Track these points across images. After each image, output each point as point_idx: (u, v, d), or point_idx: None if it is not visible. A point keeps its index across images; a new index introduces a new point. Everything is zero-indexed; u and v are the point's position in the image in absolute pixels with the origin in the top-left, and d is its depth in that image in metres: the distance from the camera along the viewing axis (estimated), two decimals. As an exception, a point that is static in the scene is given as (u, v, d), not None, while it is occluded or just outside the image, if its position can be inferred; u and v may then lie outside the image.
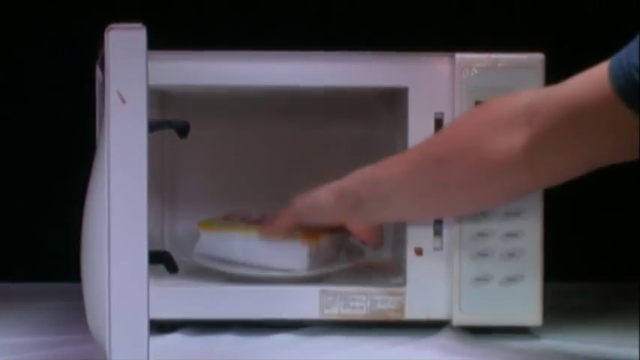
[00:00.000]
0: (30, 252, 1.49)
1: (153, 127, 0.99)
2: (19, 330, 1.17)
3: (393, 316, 1.16)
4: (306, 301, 1.15)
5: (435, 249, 1.16)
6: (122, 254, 0.91)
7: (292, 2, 1.48)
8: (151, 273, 0.92)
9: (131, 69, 0.91)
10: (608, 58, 0.97)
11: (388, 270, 1.25)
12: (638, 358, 1.04)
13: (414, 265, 1.16)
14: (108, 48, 0.91)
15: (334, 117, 1.34)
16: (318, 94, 1.26)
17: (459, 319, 1.15)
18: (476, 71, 1.15)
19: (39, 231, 1.50)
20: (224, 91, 1.25)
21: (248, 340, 1.13)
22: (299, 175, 1.31)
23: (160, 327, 1.13)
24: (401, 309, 1.16)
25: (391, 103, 1.28)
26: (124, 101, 0.91)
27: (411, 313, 1.16)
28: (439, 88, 1.15)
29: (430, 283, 1.16)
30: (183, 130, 1.21)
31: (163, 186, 1.34)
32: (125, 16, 0.92)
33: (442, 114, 1.15)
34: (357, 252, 1.23)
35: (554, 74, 1.15)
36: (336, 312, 1.16)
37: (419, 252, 1.16)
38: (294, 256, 1.17)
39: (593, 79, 0.95)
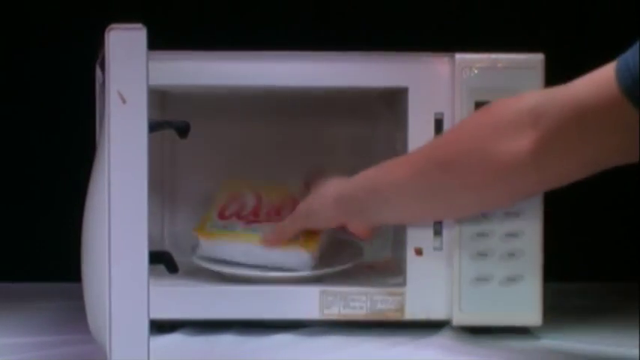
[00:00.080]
0: (30, 252, 1.49)
1: (153, 127, 0.99)
2: (19, 330, 1.17)
3: (392, 316, 1.16)
4: (306, 301, 1.15)
5: (435, 249, 1.16)
6: (122, 254, 0.91)
7: (292, 2, 1.48)
8: (151, 273, 0.92)
9: (131, 69, 0.91)
10: (608, 58, 0.97)
11: (388, 270, 1.25)
12: (638, 358, 1.04)
13: (414, 265, 1.16)
14: (108, 48, 0.91)
15: (334, 117, 1.34)
16: (318, 94, 1.26)
17: (459, 319, 1.15)
18: (476, 71, 1.15)
19: (39, 231, 1.50)
20: (224, 91, 1.25)
21: (248, 340, 1.13)
22: (299, 175, 1.31)
23: (160, 327, 1.13)
24: (401, 309, 1.16)
25: (391, 103, 1.28)
26: (124, 101, 0.91)
27: (411, 313, 1.16)
28: (439, 88, 1.15)
29: (430, 283, 1.16)
30: (183, 130, 1.21)
31: (163, 186, 1.34)
32: (125, 16, 0.92)
33: (442, 114, 1.15)
34: (356, 252, 1.23)
35: (554, 74, 1.15)
36: (336, 312, 1.16)
37: (419, 252, 1.16)
38: (296, 259, 1.17)
39: (599, 80, 0.95)
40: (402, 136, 1.19)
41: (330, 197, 1.14)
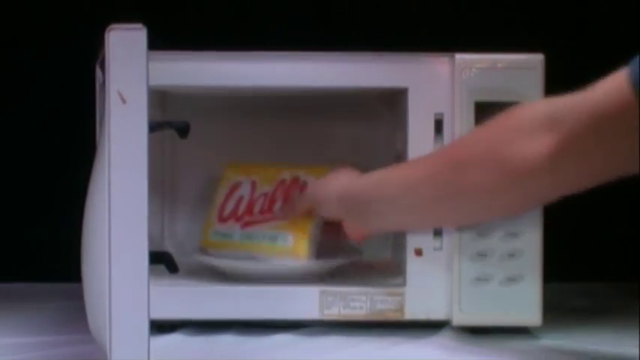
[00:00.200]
0: (30, 252, 1.49)
1: (153, 127, 0.99)
2: (19, 330, 1.17)
3: (392, 316, 1.16)
4: (306, 301, 1.15)
5: (435, 249, 1.16)
6: (122, 254, 0.91)
7: (292, 2, 1.48)
8: (151, 273, 0.92)
9: (131, 69, 0.91)
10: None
11: (388, 270, 1.25)
12: (638, 358, 1.04)
13: (413, 265, 1.16)
14: (108, 48, 0.91)
15: (334, 117, 1.34)
16: (318, 94, 1.26)
17: (458, 319, 1.15)
18: (476, 71, 1.15)
19: (39, 231, 1.50)
20: (224, 91, 1.25)
21: (248, 340, 1.13)
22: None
23: (160, 327, 1.13)
24: (401, 309, 1.16)
25: (391, 103, 1.28)
26: (124, 101, 0.91)
27: (411, 314, 1.16)
28: (439, 88, 1.15)
29: (430, 283, 1.16)
30: (183, 130, 1.21)
31: (163, 186, 1.34)
32: (125, 16, 0.92)
33: (442, 114, 1.15)
34: (354, 249, 1.23)
35: (554, 74, 1.15)
36: (336, 312, 1.16)
37: (419, 252, 1.16)
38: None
39: (614, 84, 0.94)
40: (402, 136, 1.19)
41: (334, 192, 1.14)
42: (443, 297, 1.16)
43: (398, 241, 1.24)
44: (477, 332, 1.15)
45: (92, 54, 1.07)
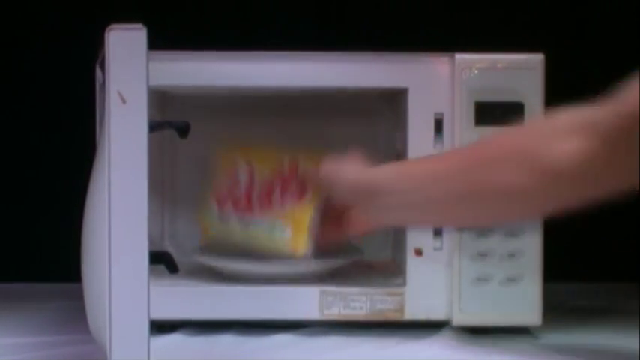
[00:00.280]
0: (30, 252, 1.49)
1: (153, 127, 0.99)
2: (19, 330, 1.17)
3: (392, 316, 1.16)
4: (306, 301, 1.15)
5: (435, 249, 1.16)
6: (122, 254, 0.91)
7: (292, 2, 1.48)
8: (151, 273, 0.92)
9: (131, 69, 0.91)
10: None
11: (388, 270, 1.25)
12: (638, 357, 1.04)
13: (414, 265, 1.16)
14: (108, 48, 0.91)
15: (334, 117, 1.34)
16: (318, 94, 1.26)
17: (458, 319, 1.15)
18: (476, 71, 1.15)
19: (39, 231, 1.50)
20: (224, 91, 1.25)
21: (248, 340, 1.13)
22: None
23: (160, 327, 1.13)
24: (401, 309, 1.16)
25: (391, 102, 1.28)
26: (124, 101, 0.91)
27: (411, 313, 1.16)
28: (439, 88, 1.15)
29: (430, 283, 1.16)
30: (183, 130, 1.21)
31: (163, 186, 1.34)
32: (125, 16, 0.92)
33: (442, 114, 1.15)
34: (355, 249, 1.23)
35: (554, 74, 1.15)
36: (336, 312, 1.16)
37: (419, 252, 1.16)
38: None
39: None
40: (402, 135, 1.19)
41: (348, 179, 1.09)
42: (443, 297, 1.16)
43: (398, 240, 1.24)
44: (477, 332, 1.15)
45: (92, 54, 1.07)
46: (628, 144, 0.93)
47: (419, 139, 1.14)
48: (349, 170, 1.09)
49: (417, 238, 1.16)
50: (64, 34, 1.47)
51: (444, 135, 1.15)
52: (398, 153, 1.22)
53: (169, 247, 1.30)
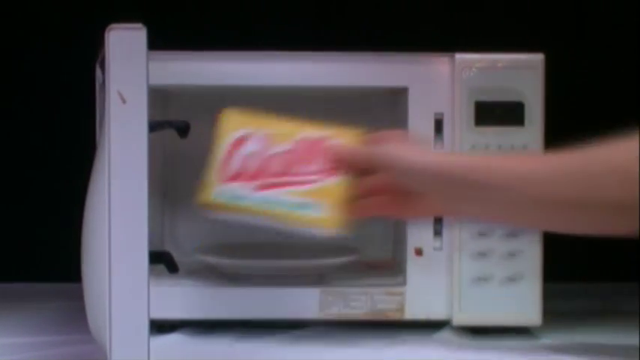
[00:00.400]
0: (30, 252, 1.49)
1: (153, 127, 0.99)
2: (19, 330, 1.17)
3: (393, 315, 1.16)
4: (306, 301, 1.15)
5: (435, 249, 1.16)
6: (122, 254, 0.91)
7: (292, 2, 1.48)
8: (151, 273, 0.92)
9: (131, 69, 0.91)
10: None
11: (388, 270, 1.25)
12: (638, 358, 1.04)
13: (414, 265, 1.16)
14: (108, 48, 0.91)
15: (334, 117, 1.33)
16: (318, 94, 1.26)
17: (458, 319, 1.15)
18: (476, 71, 1.15)
19: (39, 231, 1.50)
20: (224, 91, 1.25)
21: (248, 340, 1.13)
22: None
23: (160, 327, 1.13)
24: (401, 309, 1.16)
25: (391, 102, 1.28)
26: (124, 101, 0.91)
27: (411, 313, 1.16)
28: (439, 88, 1.15)
29: (430, 283, 1.16)
30: (183, 130, 1.21)
31: (163, 186, 1.34)
32: (125, 16, 0.92)
33: (442, 114, 1.15)
34: (354, 250, 1.23)
35: (554, 74, 1.15)
36: (336, 312, 1.16)
37: (419, 252, 1.16)
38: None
39: None
40: (402, 136, 1.19)
41: (422, 164, 1.01)
42: (443, 297, 1.16)
43: (398, 240, 1.24)
44: (477, 332, 1.15)
45: (92, 54, 1.07)
46: None
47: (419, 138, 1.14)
48: (420, 156, 1.02)
49: (417, 238, 1.16)
50: (64, 34, 1.47)
51: (444, 135, 1.15)
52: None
53: (169, 247, 1.30)
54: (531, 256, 1.15)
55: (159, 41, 0.95)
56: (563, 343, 1.13)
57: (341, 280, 1.19)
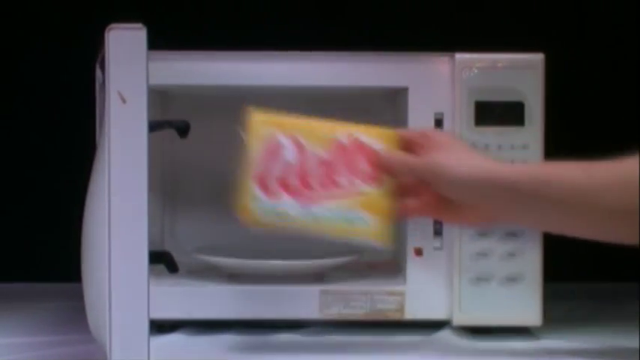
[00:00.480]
0: (30, 252, 1.49)
1: (153, 127, 0.99)
2: (19, 330, 1.17)
3: (393, 316, 1.16)
4: (306, 301, 1.15)
5: (435, 249, 1.16)
6: (122, 254, 0.91)
7: (293, 2, 1.48)
8: (151, 273, 0.92)
9: (131, 69, 0.91)
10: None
11: (388, 270, 1.25)
12: (638, 358, 1.04)
13: (414, 265, 1.16)
14: (108, 48, 0.91)
15: (334, 116, 1.34)
16: (318, 94, 1.26)
17: (458, 319, 1.15)
18: (476, 71, 1.15)
19: (39, 231, 1.50)
20: (224, 91, 1.25)
21: (248, 340, 1.13)
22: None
23: (160, 327, 1.13)
24: (401, 309, 1.16)
25: (391, 102, 1.28)
26: (124, 101, 0.91)
27: (411, 313, 1.16)
28: (439, 88, 1.15)
29: (430, 283, 1.16)
30: (183, 130, 1.21)
31: (163, 186, 1.34)
32: (125, 16, 0.92)
33: (442, 114, 1.15)
34: (354, 250, 1.23)
35: (554, 74, 1.15)
36: (336, 312, 1.16)
37: (419, 252, 1.16)
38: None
39: None
40: (402, 136, 1.19)
41: (474, 174, 1.01)
42: (443, 297, 1.16)
43: (398, 240, 1.23)
44: (477, 332, 1.15)
45: (92, 54, 1.07)
46: None
47: (419, 139, 1.14)
48: (470, 164, 1.02)
49: (417, 238, 1.16)
50: (64, 34, 1.47)
51: (444, 135, 1.15)
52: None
53: (169, 247, 1.30)
54: (531, 256, 1.15)
55: (159, 41, 0.95)
56: (563, 343, 1.12)
57: (341, 280, 1.19)
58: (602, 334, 1.15)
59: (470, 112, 1.15)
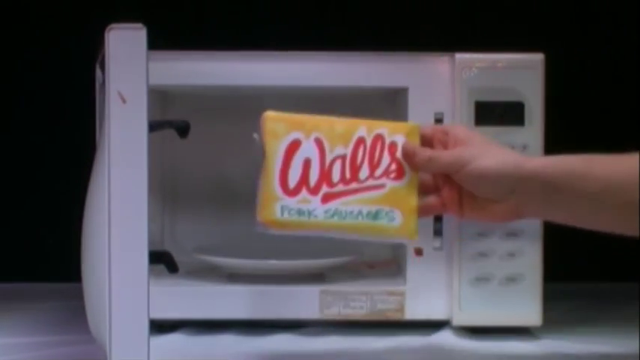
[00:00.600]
0: (30, 252, 1.49)
1: (153, 127, 0.99)
2: (18, 330, 1.17)
3: (393, 316, 1.16)
4: (306, 301, 1.15)
5: (435, 249, 1.16)
6: (122, 254, 0.91)
7: (293, 2, 1.48)
8: (151, 273, 0.92)
9: (131, 69, 0.91)
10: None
11: (388, 270, 1.25)
12: (638, 358, 1.04)
13: (414, 265, 1.16)
14: (108, 48, 0.91)
15: (334, 117, 1.34)
16: (318, 94, 1.26)
17: (458, 319, 1.15)
18: (476, 71, 1.15)
19: (39, 231, 1.50)
20: (224, 91, 1.25)
21: (248, 340, 1.13)
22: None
23: (160, 327, 1.13)
24: (401, 309, 1.16)
25: (391, 102, 1.28)
26: (124, 101, 0.91)
27: (411, 313, 1.16)
28: (439, 88, 1.15)
29: (430, 283, 1.16)
30: (183, 130, 1.21)
31: (163, 186, 1.34)
32: (125, 16, 0.92)
33: (442, 114, 1.15)
34: (354, 250, 1.23)
35: (554, 74, 1.15)
36: (336, 312, 1.16)
37: (419, 252, 1.16)
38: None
39: None
40: (402, 136, 1.19)
41: (501, 168, 0.99)
42: (443, 297, 1.16)
43: (398, 241, 1.24)
44: (477, 332, 1.15)
45: (92, 54, 1.07)
46: None
47: (419, 139, 1.14)
48: (497, 158, 1.00)
49: (418, 238, 1.16)
50: (64, 34, 1.47)
51: (444, 135, 1.15)
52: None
53: (169, 247, 1.30)
54: (531, 256, 1.15)
55: (159, 41, 0.95)
56: (563, 343, 1.12)
57: (341, 280, 1.19)
58: (602, 334, 1.15)
59: (470, 112, 1.15)
